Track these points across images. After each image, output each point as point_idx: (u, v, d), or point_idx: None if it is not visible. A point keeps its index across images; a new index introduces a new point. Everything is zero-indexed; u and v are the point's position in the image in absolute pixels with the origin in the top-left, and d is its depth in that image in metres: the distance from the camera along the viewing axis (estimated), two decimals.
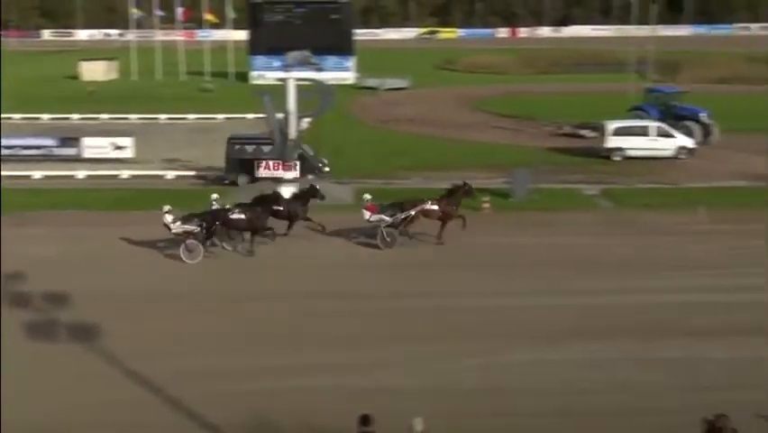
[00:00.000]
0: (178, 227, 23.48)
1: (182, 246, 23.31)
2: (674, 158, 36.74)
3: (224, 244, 24.44)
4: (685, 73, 67.63)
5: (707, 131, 40.24)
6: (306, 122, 32.55)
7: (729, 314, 19.23)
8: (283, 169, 30.15)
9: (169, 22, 78.21)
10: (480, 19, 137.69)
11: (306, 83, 32.01)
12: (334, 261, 23.44)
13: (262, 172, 30.64)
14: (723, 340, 17.79)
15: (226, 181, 32.36)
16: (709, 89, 56.42)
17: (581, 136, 41.92)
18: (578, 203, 29.90)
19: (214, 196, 25.60)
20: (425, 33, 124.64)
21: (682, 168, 35.33)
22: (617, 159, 36.65)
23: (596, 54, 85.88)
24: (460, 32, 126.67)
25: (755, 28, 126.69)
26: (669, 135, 37.27)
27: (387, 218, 24.54)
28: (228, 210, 24.20)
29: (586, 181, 32.68)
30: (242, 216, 24.05)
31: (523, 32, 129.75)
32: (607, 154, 36.97)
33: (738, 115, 46.12)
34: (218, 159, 35.20)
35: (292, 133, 30.41)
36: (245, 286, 21.33)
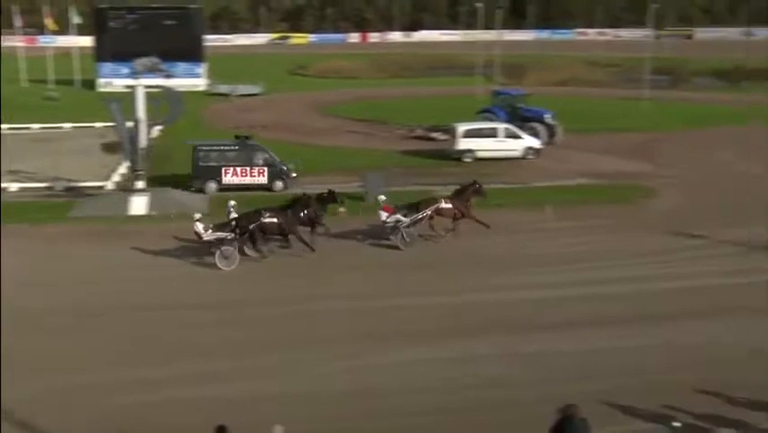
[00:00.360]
0: (209, 235, 23.47)
1: (217, 253, 23.20)
2: (522, 158, 37.96)
3: (247, 250, 24.07)
4: (530, 76, 70.24)
5: (551, 132, 41.80)
6: (156, 129, 31.76)
7: (578, 307, 20.04)
8: (250, 175, 31.26)
9: (6, 27, 74.47)
10: (332, 24, 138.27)
11: (156, 90, 31.28)
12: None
13: (230, 179, 31.48)
14: (573, 333, 18.50)
15: (193, 189, 31.78)
16: (552, 91, 58.69)
17: (433, 139, 42.71)
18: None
19: (232, 202, 25.32)
20: (276, 39, 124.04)
21: (530, 168, 36.57)
22: (468, 160, 37.55)
23: (445, 58, 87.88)
24: (311, 38, 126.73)
25: (592, 33, 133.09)
26: (516, 136, 38.49)
27: (404, 219, 25.10)
28: (260, 214, 24.06)
29: (439, 183, 33.25)
30: (275, 220, 24.12)
31: (374, 36, 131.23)
32: (458, 156, 37.81)
33: (579, 116, 48.23)
34: (66, 169, 33.85)
35: (143, 141, 29.61)
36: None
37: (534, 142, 39.03)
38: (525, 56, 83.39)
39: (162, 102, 30.68)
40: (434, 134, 43.14)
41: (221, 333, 18.62)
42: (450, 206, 25.88)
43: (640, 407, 14.97)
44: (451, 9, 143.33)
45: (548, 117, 42.36)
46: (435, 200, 25.98)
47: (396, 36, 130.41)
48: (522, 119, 41.70)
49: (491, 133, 38.26)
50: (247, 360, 17.20)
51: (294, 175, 32.66)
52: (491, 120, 41.17)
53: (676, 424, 13.80)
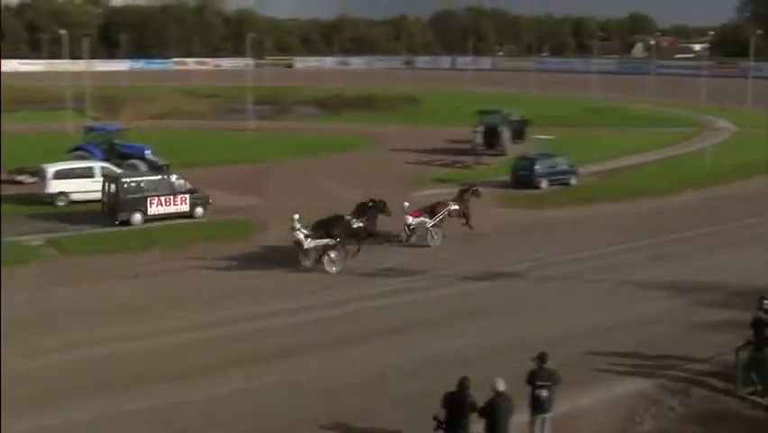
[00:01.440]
0: (310, 243, 26.61)
1: (326, 258, 26.63)
2: None
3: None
4: (127, 109, 69.21)
5: (153, 168, 41.37)
6: None
7: (200, 353, 19.85)
8: (174, 204, 33.10)
9: None
10: None
11: None
12: None
13: (155, 209, 32.85)
14: (196, 380, 18.25)
15: (117, 222, 32.32)
16: (153, 125, 58.52)
17: (20, 182, 40.20)
18: (20, 255, 28.47)
19: (296, 216, 27.10)
20: None
21: None
22: (62, 204, 35.81)
23: (27, 91, 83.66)
24: None
25: (191, 63, 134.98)
26: None
27: (427, 220, 29.91)
28: (348, 220, 27.63)
29: (29, 231, 31.36)
30: (362, 225, 28.00)
31: None
32: (50, 200, 35.91)
33: (184, 150, 48.41)
34: None
35: None
36: None
37: None
38: (120, 88, 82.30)
39: None
40: (21, 177, 40.67)
41: None
42: (457, 207, 30.98)
43: None
44: (31, 36, 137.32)
45: (149, 153, 41.98)
46: (446, 204, 30.95)
47: None
48: (120, 156, 41.04)
49: (86, 173, 36.88)
50: None
51: (211, 201, 34.30)
52: (85, 158, 39.91)
53: None
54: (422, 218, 30.05)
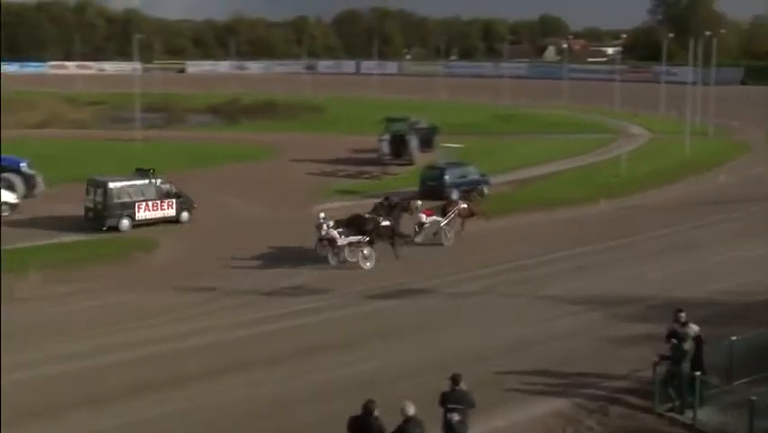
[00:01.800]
0: (344, 240, 28.82)
1: (360, 254, 28.84)
2: None
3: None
4: None
5: (30, 183, 40.35)
6: None
7: (76, 385, 19.38)
8: (161, 208, 34.87)
9: None
10: None
11: None
12: None
13: (143, 214, 34.57)
14: (72, 415, 17.80)
15: (104, 229, 33.62)
16: (28, 135, 57.09)
17: None
18: None
19: (322, 214, 29.81)
20: None
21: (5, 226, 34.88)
22: None
23: None
24: None
25: (72, 66, 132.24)
26: None
27: (440, 219, 32.54)
28: (376, 218, 29.66)
29: None
30: (388, 223, 29.84)
31: None
32: None
33: (65, 163, 47.39)
34: None
35: None
36: None
37: (10, 197, 37.45)
38: None
39: None
40: None
41: None
42: (465, 206, 33.98)
43: None
44: None
45: (24, 166, 40.92)
46: (457, 203, 34.23)
47: None
48: None
49: None
50: None
51: (195, 206, 36.18)
52: None
53: None
54: (435, 217, 32.67)
